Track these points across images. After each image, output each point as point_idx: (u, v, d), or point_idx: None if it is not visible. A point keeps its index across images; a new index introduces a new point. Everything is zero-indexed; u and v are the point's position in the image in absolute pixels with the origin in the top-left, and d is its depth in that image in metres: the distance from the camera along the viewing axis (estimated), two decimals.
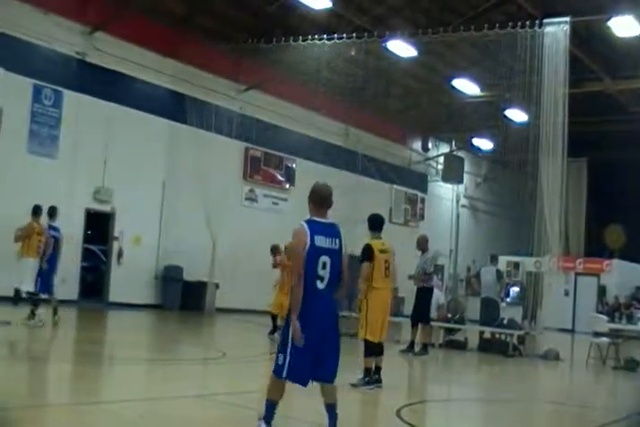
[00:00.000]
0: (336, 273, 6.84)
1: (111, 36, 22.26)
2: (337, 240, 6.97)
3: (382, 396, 10.78)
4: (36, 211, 15.22)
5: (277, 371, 6.73)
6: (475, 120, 30.94)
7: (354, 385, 10.44)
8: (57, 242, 15.30)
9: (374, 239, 11.50)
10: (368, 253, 11.12)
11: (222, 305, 23.71)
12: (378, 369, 10.88)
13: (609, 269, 31.77)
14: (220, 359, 12.99)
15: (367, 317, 11.20)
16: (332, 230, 6.99)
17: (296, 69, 23.72)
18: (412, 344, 16.42)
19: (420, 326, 16.58)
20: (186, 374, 11.35)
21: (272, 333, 16.57)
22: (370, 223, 11.72)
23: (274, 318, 16.79)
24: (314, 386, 6.87)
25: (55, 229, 15.43)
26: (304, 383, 6.85)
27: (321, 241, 6.81)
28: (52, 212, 15.53)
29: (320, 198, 7.01)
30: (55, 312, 15.05)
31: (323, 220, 7.05)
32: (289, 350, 6.66)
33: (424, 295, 16.50)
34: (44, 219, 15.34)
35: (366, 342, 11.04)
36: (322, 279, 6.75)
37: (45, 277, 15.04)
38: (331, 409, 6.92)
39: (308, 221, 6.92)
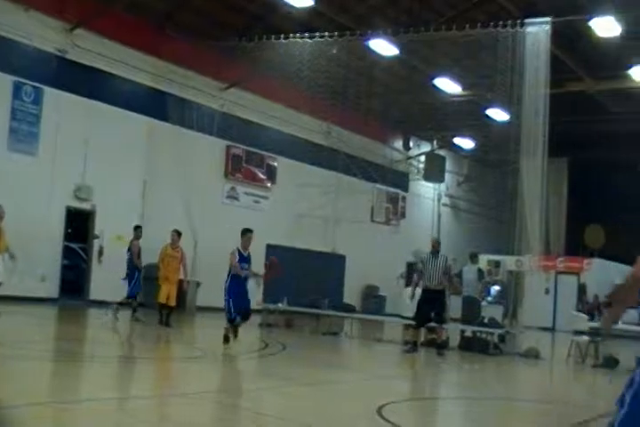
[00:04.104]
0: None
1: (92, 33, 22.17)
2: None
3: (364, 394, 10.79)
4: None
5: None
6: (456, 119, 30.98)
7: None
8: None
9: None
10: None
11: (204, 304, 23.64)
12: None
13: (589, 267, 31.94)
14: (202, 358, 12.96)
15: None
16: None
17: (278, 68, 23.67)
18: (415, 344, 16.68)
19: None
20: (168, 372, 11.31)
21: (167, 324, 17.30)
22: None
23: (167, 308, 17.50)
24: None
25: None
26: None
27: None
28: None
29: None
30: None
31: None
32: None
33: (441, 297, 16.76)
34: None
35: None
36: None
37: None
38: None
39: None
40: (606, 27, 21.15)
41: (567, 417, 10.02)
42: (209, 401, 8.83)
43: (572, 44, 24.35)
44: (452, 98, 28.93)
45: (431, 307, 16.60)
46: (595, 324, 18.38)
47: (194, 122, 23.75)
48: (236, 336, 14.23)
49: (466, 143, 35.11)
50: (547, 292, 27.09)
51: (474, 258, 20.13)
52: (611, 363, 16.95)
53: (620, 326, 18.67)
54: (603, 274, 32.29)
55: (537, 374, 16.58)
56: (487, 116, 29.54)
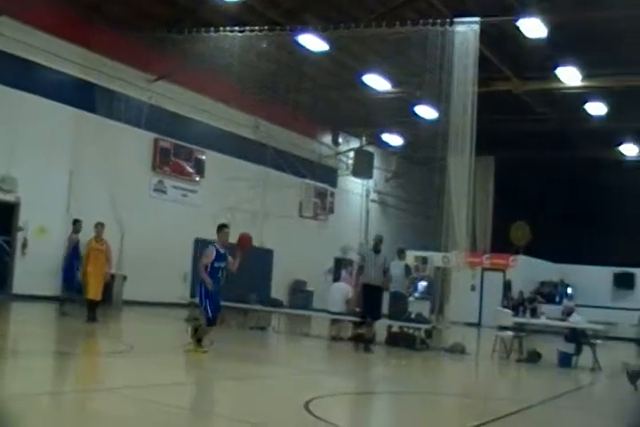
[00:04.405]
0: None
1: (18, 22, 21.71)
2: None
3: (291, 388, 10.82)
4: None
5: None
6: (385, 116, 31.18)
7: None
8: None
9: None
10: None
11: (130, 298, 23.41)
12: None
13: (514, 264, 32.48)
14: (128, 353, 12.84)
15: None
16: None
17: (207, 61, 23.51)
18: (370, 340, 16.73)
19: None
20: (94, 367, 11.17)
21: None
22: None
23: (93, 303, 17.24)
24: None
25: None
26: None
27: None
28: None
29: None
30: None
31: None
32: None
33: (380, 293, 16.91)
34: None
35: None
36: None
37: None
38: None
39: None
40: (533, 28, 21.46)
41: (490, 411, 10.18)
42: (131, 396, 8.73)
43: (500, 44, 24.66)
44: (382, 95, 29.07)
45: (377, 300, 16.83)
46: (519, 319, 18.73)
47: (122, 114, 23.44)
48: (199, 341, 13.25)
49: (394, 140, 35.33)
50: (473, 288, 27.46)
51: (401, 254, 20.30)
52: (534, 358, 17.30)
53: (543, 321, 19.09)
54: (528, 271, 32.94)
55: (462, 368, 16.80)
56: (416, 114, 29.76)
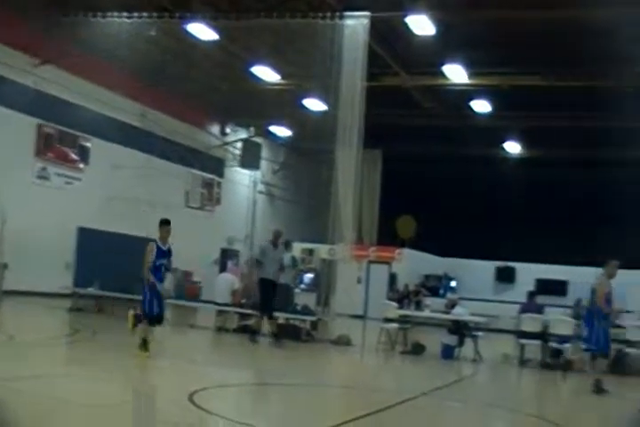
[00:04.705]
0: None
1: None
2: None
3: (175, 380, 10.72)
4: None
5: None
6: (273, 107, 31.15)
7: None
8: None
9: None
10: None
11: (11, 287, 22.71)
12: None
13: (400, 257, 32.95)
14: (7, 343, 12.49)
15: None
16: None
17: (94, 46, 22.97)
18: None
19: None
20: None
21: None
22: None
23: None
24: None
25: None
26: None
27: None
28: None
29: None
30: None
31: None
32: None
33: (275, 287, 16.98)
34: None
35: None
36: None
37: None
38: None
39: None
40: (421, 25, 21.72)
41: (375, 402, 10.31)
42: (5, 388, 8.51)
43: (389, 40, 24.85)
44: (270, 86, 29.00)
45: (272, 295, 16.84)
46: (404, 312, 19.04)
47: (3, 98, 22.77)
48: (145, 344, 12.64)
49: (283, 132, 35.34)
50: (359, 280, 27.70)
51: (288, 246, 20.33)
52: (418, 349, 17.61)
53: (427, 313, 19.45)
54: (413, 264, 33.48)
55: (348, 360, 16.96)
56: (304, 106, 29.82)
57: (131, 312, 14.06)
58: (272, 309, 16.99)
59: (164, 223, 12.99)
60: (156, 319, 12.67)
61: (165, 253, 12.71)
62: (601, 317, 13.16)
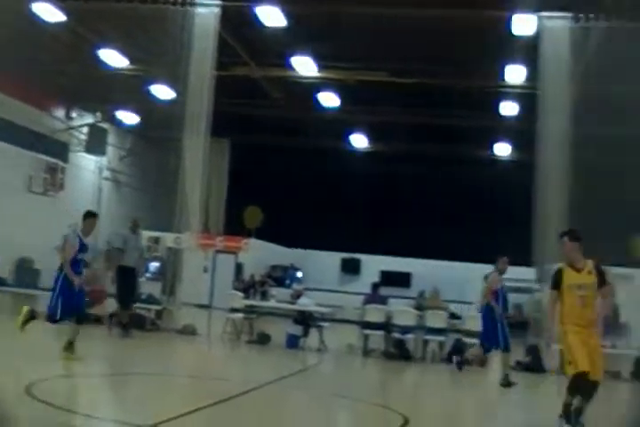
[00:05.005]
0: None
1: None
2: None
3: (13, 371, 10.45)
4: None
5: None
6: (121, 93, 30.54)
7: None
8: None
9: None
10: None
11: None
12: None
13: (246, 247, 33.02)
14: None
15: None
16: None
17: None
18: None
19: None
20: None
21: None
22: None
23: None
24: None
25: None
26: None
27: None
28: None
29: None
30: None
31: None
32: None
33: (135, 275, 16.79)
34: None
35: None
36: None
37: None
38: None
39: None
40: (272, 16, 21.78)
41: (220, 392, 10.37)
42: None
43: (240, 29, 24.77)
44: (119, 71, 28.46)
45: (134, 283, 16.66)
46: (250, 302, 19.19)
47: None
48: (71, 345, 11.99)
49: (130, 118, 34.73)
50: (205, 270, 27.61)
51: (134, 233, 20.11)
52: (264, 339, 17.79)
53: (273, 303, 19.65)
54: (259, 254, 33.61)
55: (193, 350, 16.97)
56: (152, 93, 29.42)
57: (26, 308, 13.21)
58: (133, 297, 16.82)
59: (90, 216, 12.38)
60: (84, 316, 12.16)
61: (85, 247, 12.04)
62: (497, 312, 13.57)
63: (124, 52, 26.79)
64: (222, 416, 8.94)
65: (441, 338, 17.50)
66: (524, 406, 12.75)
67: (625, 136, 19.24)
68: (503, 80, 24.70)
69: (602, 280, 8.97)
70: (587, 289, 8.88)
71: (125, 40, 26.25)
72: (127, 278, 16.73)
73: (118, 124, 35.43)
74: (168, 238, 26.41)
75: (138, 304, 18.19)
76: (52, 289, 11.95)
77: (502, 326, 13.46)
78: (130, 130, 36.15)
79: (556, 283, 9.08)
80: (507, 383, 13.30)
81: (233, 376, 12.88)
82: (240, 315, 18.42)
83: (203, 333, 18.04)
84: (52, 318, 11.91)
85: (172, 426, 7.68)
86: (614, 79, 17.98)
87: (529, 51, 20.17)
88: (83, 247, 11.98)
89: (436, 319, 17.41)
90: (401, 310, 18.07)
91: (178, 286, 20.12)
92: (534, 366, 16.46)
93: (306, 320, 17.61)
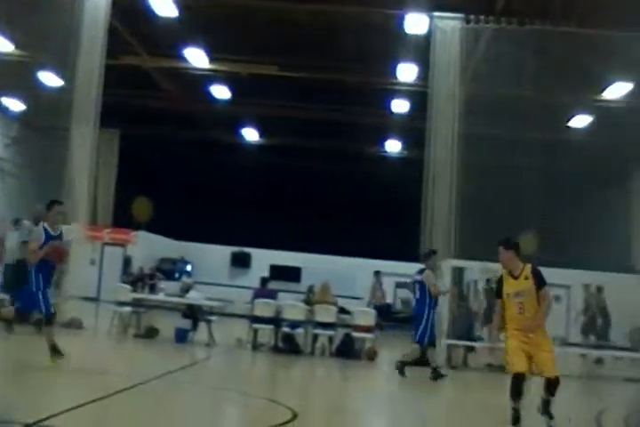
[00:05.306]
0: None
1: None
2: None
3: None
4: None
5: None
6: (6, 79, 29.72)
7: None
8: None
9: None
10: None
11: None
12: None
13: (135, 240, 32.61)
14: None
15: None
16: None
17: None
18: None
19: None
20: None
21: None
22: None
23: None
24: None
25: None
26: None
27: None
28: None
29: None
30: None
31: None
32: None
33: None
34: None
35: None
36: None
37: None
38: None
39: None
40: (164, 6, 21.50)
41: (107, 386, 10.23)
42: None
43: (131, 18, 24.40)
44: (4, 56, 27.66)
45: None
46: (138, 295, 18.91)
47: None
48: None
49: (15, 105, 33.83)
50: (92, 262, 27.17)
51: (16, 224, 19.56)
52: (151, 333, 17.61)
53: (161, 297, 19.46)
54: (148, 247, 33.22)
55: (79, 344, 16.62)
56: (40, 80, 28.69)
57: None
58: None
59: (56, 204, 11.28)
60: (53, 317, 11.32)
61: (56, 239, 11.04)
62: (431, 307, 13.97)
63: (10, 36, 26.04)
64: (106, 412, 8.81)
65: (330, 332, 17.62)
66: (411, 399, 12.93)
67: (504, 137, 19.90)
68: (395, 78, 25.05)
69: (539, 284, 9.17)
70: (524, 295, 9.11)
71: (11, 24, 25.51)
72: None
73: (4, 111, 34.48)
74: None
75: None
76: (33, 288, 11.17)
77: (433, 321, 13.95)
78: (16, 117, 35.22)
79: (498, 292, 9.39)
80: (436, 376, 13.75)
81: (119, 371, 12.70)
82: (128, 308, 18.18)
83: (89, 326, 17.74)
84: (48, 318, 11.27)
85: (54, 423, 7.52)
86: (499, 81, 18.51)
87: (421, 50, 20.51)
88: (49, 240, 11.05)
89: (325, 314, 17.52)
90: (290, 305, 18.14)
91: (64, 278, 19.65)
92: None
93: (195, 314, 17.51)
